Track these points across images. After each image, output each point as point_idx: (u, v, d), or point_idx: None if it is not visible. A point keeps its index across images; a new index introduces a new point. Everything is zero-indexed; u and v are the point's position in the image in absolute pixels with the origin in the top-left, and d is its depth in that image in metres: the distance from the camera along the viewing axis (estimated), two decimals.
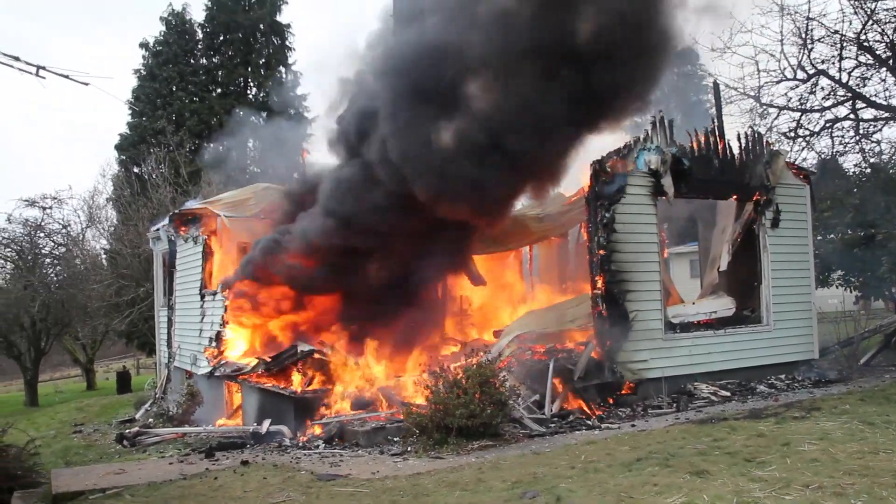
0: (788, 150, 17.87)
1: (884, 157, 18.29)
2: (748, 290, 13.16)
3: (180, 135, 30.69)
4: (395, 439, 9.35)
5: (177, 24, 35.19)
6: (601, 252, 11.34)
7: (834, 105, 18.00)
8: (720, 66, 71.00)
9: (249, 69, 35.32)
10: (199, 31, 36.11)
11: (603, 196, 11.46)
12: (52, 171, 78.49)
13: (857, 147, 18.34)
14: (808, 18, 16.70)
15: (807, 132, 18.38)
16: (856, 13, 16.11)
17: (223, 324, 13.05)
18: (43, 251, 27.30)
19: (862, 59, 16.97)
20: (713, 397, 11.36)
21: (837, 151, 18.38)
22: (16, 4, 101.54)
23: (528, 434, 9.32)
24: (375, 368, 11.61)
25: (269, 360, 11.53)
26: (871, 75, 17.26)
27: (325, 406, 10.62)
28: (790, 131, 18.45)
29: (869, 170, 18.23)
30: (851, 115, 18.08)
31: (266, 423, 10.49)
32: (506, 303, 15.53)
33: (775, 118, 18.59)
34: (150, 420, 14.04)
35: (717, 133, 12.75)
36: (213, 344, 13.29)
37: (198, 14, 35.97)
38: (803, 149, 18.41)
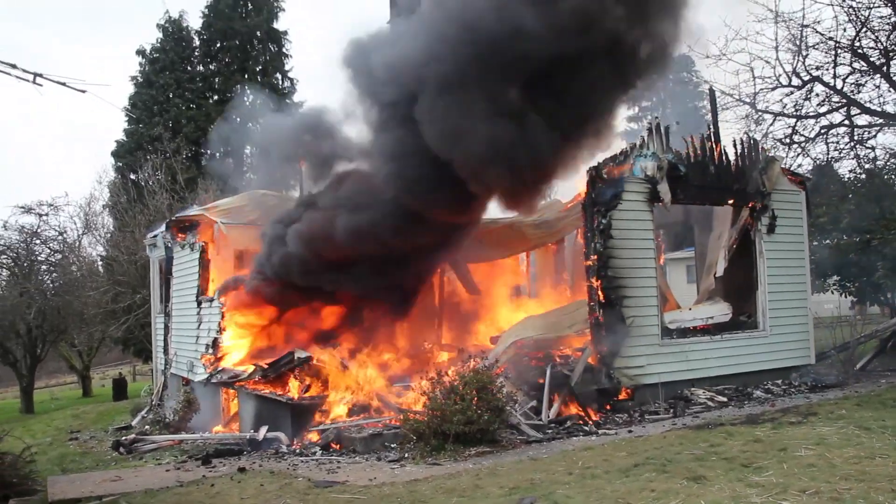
0: (784, 157, 17.95)
1: (878, 163, 18.38)
2: (745, 296, 13.20)
3: (177, 142, 30.69)
4: (393, 446, 9.35)
5: (173, 31, 35.21)
6: (598, 258, 11.36)
7: (829, 111, 18.10)
8: (716, 73, 71.39)
9: (246, 76, 35.34)
10: (196, 39, 36.13)
11: (599, 202, 11.49)
12: (52, 172, 78.51)
13: (851, 153, 18.43)
14: (802, 26, 16.82)
15: (802, 138, 18.48)
16: (850, 20, 16.23)
17: (220, 330, 13.03)
18: (39, 258, 27.25)
19: (856, 65, 17.07)
20: (710, 403, 11.38)
21: (832, 157, 18.47)
22: (14, 10, 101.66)
23: (526, 440, 9.32)
24: (372, 375, 11.61)
25: (265, 366, 11.52)
26: (866, 82, 17.38)
27: (322, 412, 10.62)
28: (785, 137, 18.55)
29: (864, 176, 18.32)
30: (846, 122, 18.18)
31: (263, 430, 10.48)
32: (503, 309, 15.55)
33: (771, 124, 18.69)
34: (147, 427, 14.00)
35: (712, 139, 12.80)
36: (210, 351, 13.26)
37: (195, 21, 36.04)
38: (798, 155, 18.50)
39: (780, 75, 17.86)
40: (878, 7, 15.97)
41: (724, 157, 12.76)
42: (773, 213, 13.14)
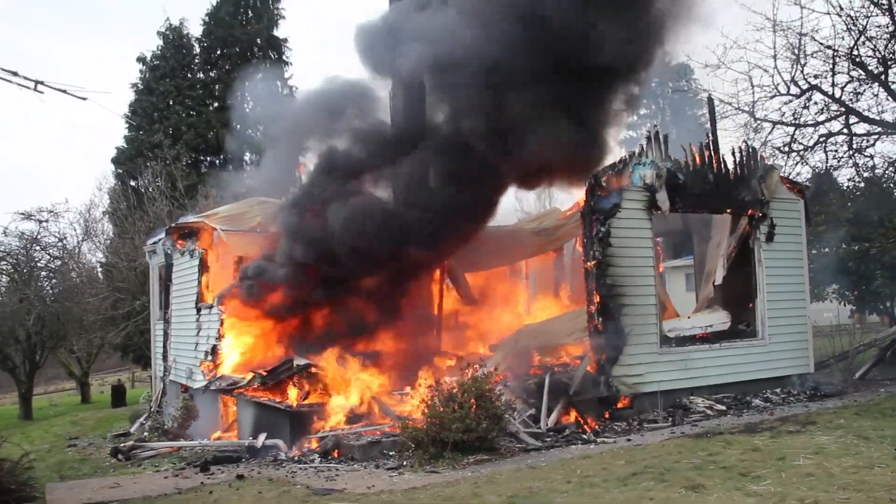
0: (783, 165, 17.99)
1: (877, 171, 18.42)
2: (743, 304, 13.20)
3: (177, 148, 30.71)
4: (391, 453, 9.34)
5: (174, 38, 35.29)
6: (596, 266, 11.37)
7: (827, 120, 18.14)
8: (714, 82, 71.54)
9: (247, 83, 35.38)
10: (197, 46, 36.19)
11: (598, 210, 11.51)
12: (52, 177, 78.48)
13: (850, 161, 18.47)
14: (800, 34, 16.87)
15: (801, 147, 18.52)
16: (848, 29, 16.28)
17: (219, 337, 13.04)
18: (39, 264, 27.25)
19: (854, 74, 17.13)
20: (709, 411, 11.38)
21: (831, 166, 18.51)
22: (16, 14, 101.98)
23: (524, 448, 9.32)
24: (371, 382, 11.60)
25: (264, 373, 11.52)
26: (864, 90, 17.42)
27: (321, 420, 10.61)
28: (784, 146, 18.60)
29: (863, 184, 18.36)
30: (845, 130, 18.21)
31: (262, 437, 10.47)
32: (502, 317, 15.54)
33: (769, 133, 18.74)
34: (146, 434, 13.99)
35: (711, 148, 12.83)
36: (209, 357, 13.27)
37: (195, 29, 36.09)
38: (797, 163, 18.55)
39: (778, 84, 17.93)
40: (876, 16, 16.05)
41: (722, 166, 12.79)
42: (771, 222, 13.16)
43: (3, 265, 27.00)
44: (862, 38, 16.27)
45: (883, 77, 16.67)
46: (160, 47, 35.14)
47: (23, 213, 25.76)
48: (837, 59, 16.87)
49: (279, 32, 36.62)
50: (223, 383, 12.61)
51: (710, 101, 14.85)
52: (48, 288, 27.44)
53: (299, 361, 11.31)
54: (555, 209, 15.91)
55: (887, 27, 16.10)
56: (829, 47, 16.74)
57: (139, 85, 34.82)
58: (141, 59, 34.98)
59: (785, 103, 18.24)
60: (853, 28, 16.22)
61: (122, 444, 12.02)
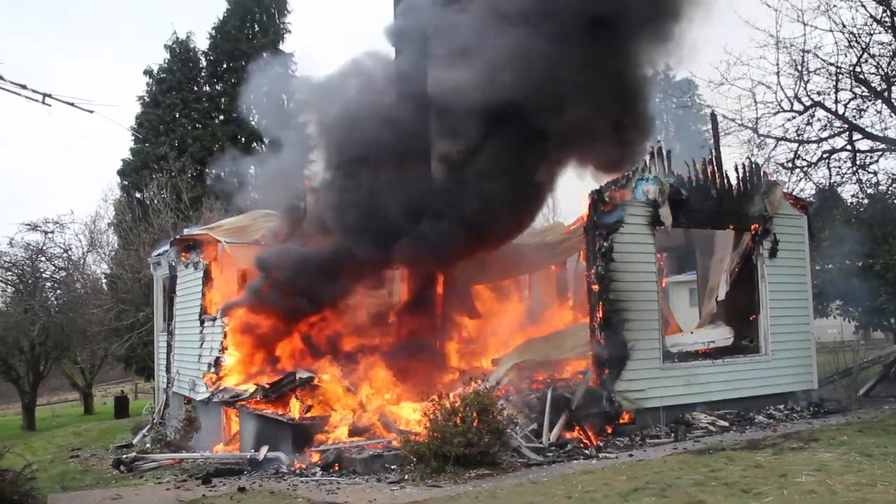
0: (786, 181, 18.02)
1: (881, 187, 18.42)
2: (746, 320, 13.19)
3: (182, 161, 30.91)
4: (393, 467, 9.33)
5: (181, 51, 35.58)
6: (599, 281, 11.39)
7: (831, 136, 18.18)
8: (718, 98, 71.61)
9: (252, 97, 35.59)
10: (203, 59, 36.48)
11: (601, 225, 11.54)
12: (58, 188, 78.83)
13: (854, 178, 18.48)
14: (803, 51, 16.95)
15: (804, 163, 18.55)
16: (850, 47, 16.35)
17: (222, 349, 13.06)
18: (44, 275, 27.35)
19: (857, 91, 17.18)
20: (711, 427, 11.35)
21: (835, 182, 18.52)
22: (25, 28, 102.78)
23: (526, 463, 9.31)
24: (374, 396, 11.61)
25: (267, 386, 11.54)
26: (867, 107, 17.47)
27: (323, 433, 10.60)
28: (788, 162, 18.63)
29: (866, 200, 18.35)
30: (848, 147, 18.25)
31: (263, 450, 10.47)
32: (505, 331, 15.54)
33: (773, 149, 18.77)
34: (148, 445, 13.99)
35: (714, 163, 12.87)
36: (212, 369, 13.29)
37: (202, 42, 36.41)
38: (800, 179, 18.57)
39: (781, 100, 17.98)
40: (879, 33, 16.11)
41: (725, 182, 12.82)
42: (774, 238, 13.16)
43: (8, 276, 27.12)
44: (865, 56, 16.33)
45: (886, 94, 16.72)
46: (167, 60, 35.44)
47: (29, 224, 25.94)
48: (840, 77, 16.94)
49: (285, 46, 36.90)
50: (226, 395, 12.63)
51: (713, 117, 14.91)
52: (53, 299, 27.52)
53: (302, 374, 11.34)
54: (558, 223, 15.96)
55: (890, 44, 16.18)
56: (831, 64, 16.82)
57: (146, 98, 35.09)
58: (148, 72, 35.28)
59: (788, 119, 18.31)
60: (856, 45, 16.29)
61: (124, 456, 12.02)
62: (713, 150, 13.24)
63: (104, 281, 29.74)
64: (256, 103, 34.15)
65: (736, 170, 13.03)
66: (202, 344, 14.12)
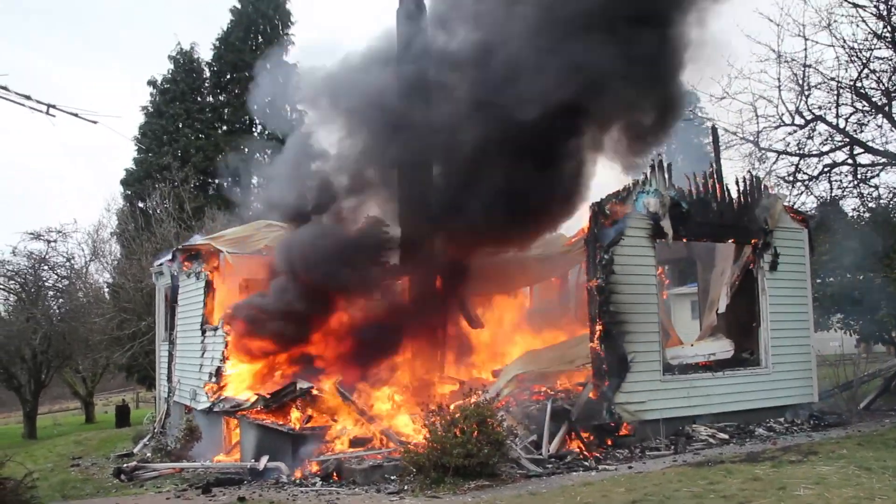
0: (787, 194, 18.05)
1: (882, 201, 18.45)
2: (747, 333, 13.21)
3: (185, 171, 31.06)
4: (392, 478, 9.35)
5: (185, 62, 35.82)
6: (600, 293, 11.42)
7: (832, 150, 18.24)
8: (719, 111, 71.81)
9: (255, 107, 35.77)
10: (207, 70, 36.71)
11: (602, 238, 11.58)
12: (61, 197, 79.01)
13: (855, 191, 18.52)
14: (804, 66, 17.01)
15: (805, 176, 18.59)
16: (851, 61, 16.42)
17: (223, 359, 13.09)
18: (46, 284, 27.44)
19: (858, 105, 17.23)
20: (711, 440, 11.35)
21: (836, 195, 18.55)
22: (29, 39, 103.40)
23: (525, 474, 9.32)
24: (374, 406, 11.63)
25: (268, 396, 11.56)
26: (868, 121, 17.51)
27: (323, 443, 10.62)
28: (789, 175, 18.67)
29: (868, 214, 18.38)
30: (849, 160, 18.29)
31: (263, 460, 10.49)
32: (505, 342, 15.56)
33: (774, 162, 18.82)
34: (149, 454, 14.01)
35: (715, 177, 12.93)
36: (213, 379, 13.32)
37: (206, 53, 36.65)
38: (801, 193, 18.60)
39: (783, 114, 18.04)
40: (879, 49, 16.19)
41: (726, 195, 12.87)
42: (775, 251, 13.19)
43: (10, 284, 27.21)
44: (865, 71, 16.41)
45: (887, 108, 16.78)
46: (171, 71, 35.68)
47: (32, 233, 26.11)
48: (841, 91, 17.00)
49: (288, 57, 37.07)
50: (227, 405, 12.65)
51: (714, 131, 14.99)
52: (55, 307, 27.61)
53: (302, 385, 11.36)
54: (559, 235, 15.98)
55: (890, 59, 16.25)
56: (832, 79, 16.89)
57: (149, 108, 35.30)
58: (152, 83, 35.51)
59: (789, 133, 18.36)
60: (856, 60, 16.37)
61: (124, 465, 12.04)
62: (714, 164, 13.29)
63: (106, 290, 29.83)
64: (260, 113, 34.41)
65: (737, 183, 13.08)
66: (203, 353, 14.16)
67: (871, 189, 18.67)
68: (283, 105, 36.09)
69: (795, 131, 18.19)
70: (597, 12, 11.32)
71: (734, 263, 13.30)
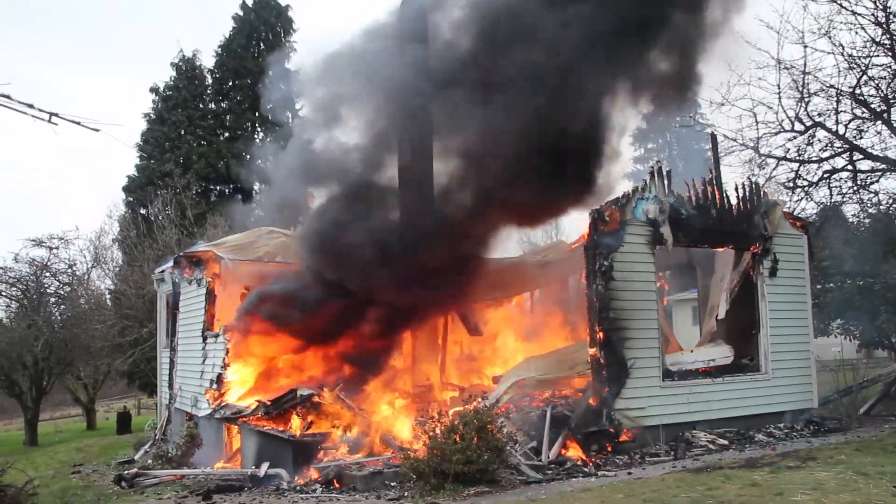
0: (787, 200, 18.05)
1: (882, 207, 18.47)
2: (747, 339, 13.23)
3: (187, 178, 31.16)
4: (393, 484, 9.38)
5: (187, 69, 35.98)
6: (599, 300, 11.46)
7: (831, 156, 18.22)
8: (719, 118, 71.91)
9: (257, 114, 35.94)
10: (209, 77, 36.87)
11: (601, 244, 11.63)
12: (63, 203, 79.24)
13: (855, 197, 18.53)
14: (804, 73, 17.04)
15: (805, 182, 18.59)
16: (850, 68, 16.45)
17: (224, 366, 13.13)
18: (48, 290, 27.50)
19: (857, 112, 17.26)
20: (711, 446, 11.37)
21: (836, 201, 18.56)
22: (32, 46, 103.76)
23: (525, 480, 9.35)
24: (374, 413, 11.67)
25: (268, 403, 11.59)
26: (868, 128, 17.52)
27: (324, 450, 10.66)
28: (789, 181, 18.66)
29: (868, 220, 18.40)
30: (849, 167, 18.30)
31: (264, 466, 10.52)
32: (506, 349, 15.60)
33: (774, 168, 18.80)
34: (150, 461, 14.03)
35: (714, 183, 12.98)
36: (214, 386, 13.35)
37: (208, 60, 36.82)
38: (801, 199, 18.60)
39: (782, 120, 18.04)
40: (878, 56, 16.22)
41: (725, 201, 12.92)
42: (774, 257, 13.24)
43: (12, 291, 27.28)
44: (864, 77, 16.43)
45: (886, 115, 16.81)
46: (173, 78, 35.84)
47: (34, 240, 26.17)
48: (840, 98, 17.03)
49: (290, 65, 37.23)
50: (227, 412, 12.68)
51: (714, 137, 15.03)
52: (57, 314, 27.65)
53: (303, 391, 11.39)
54: (560, 242, 16.05)
55: (889, 66, 16.28)
56: (831, 86, 16.91)
57: (151, 115, 35.44)
58: (154, 90, 35.67)
59: (789, 139, 18.35)
60: (855, 67, 16.40)
61: (125, 472, 12.07)
62: (713, 170, 13.34)
63: (108, 297, 29.88)
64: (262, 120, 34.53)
65: (736, 189, 13.14)
66: (204, 360, 14.19)
67: (871, 195, 18.69)
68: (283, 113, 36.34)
69: (795, 137, 18.20)
70: None
71: (734, 269, 13.33)
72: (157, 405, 19.80)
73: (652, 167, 12.64)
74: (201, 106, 36.23)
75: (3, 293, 27.36)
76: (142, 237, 27.58)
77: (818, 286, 16.53)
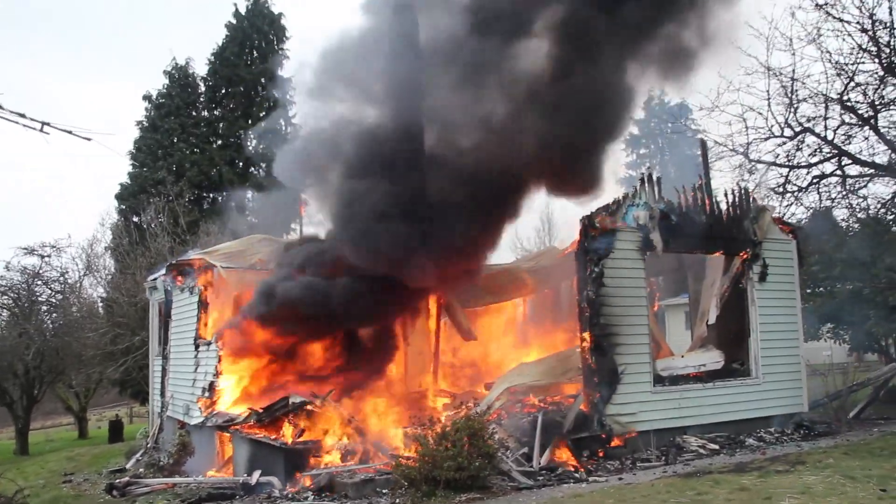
0: (777, 206, 18.15)
1: (871, 212, 18.59)
2: (737, 343, 13.30)
3: (180, 185, 31.14)
4: (384, 491, 9.40)
5: (180, 77, 35.97)
6: (590, 305, 11.51)
7: (820, 161, 18.33)
8: (710, 123, 72.07)
9: (250, 122, 35.97)
10: (202, 85, 36.87)
11: (592, 251, 11.69)
12: (56, 211, 79.03)
13: (844, 202, 18.64)
14: (792, 79, 17.17)
15: (795, 188, 18.70)
16: (838, 75, 16.59)
17: (216, 374, 13.12)
18: (40, 298, 27.40)
19: (846, 117, 17.39)
20: (702, 450, 11.42)
21: (825, 206, 18.68)
22: (23, 52, 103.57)
23: (516, 487, 9.37)
24: (366, 420, 11.68)
25: (260, 411, 11.60)
26: (856, 133, 17.65)
27: (316, 457, 10.66)
28: (778, 187, 18.75)
29: (857, 225, 18.52)
30: (838, 172, 18.42)
31: (256, 474, 10.52)
32: (498, 355, 15.64)
33: (764, 174, 18.90)
34: (141, 470, 14.00)
35: (704, 189, 13.06)
36: (206, 394, 13.34)
37: (200, 68, 36.82)
38: (791, 204, 18.71)
39: (772, 126, 18.15)
40: (864, 62, 16.36)
41: (715, 207, 13.01)
42: (764, 262, 13.32)
43: (4, 300, 27.17)
44: (851, 84, 16.57)
45: (873, 121, 16.94)
46: (166, 86, 35.82)
47: (25, 248, 26.08)
48: (829, 104, 17.16)
49: (283, 72, 37.28)
50: (219, 420, 12.67)
51: (703, 143, 15.12)
52: (48, 322, 27.55)
53: (295, 399, 11.40)
54: (552, 248, 16.10)
55: (876, 72, 16.42)
56: (819, 94, 17.04)
57: (144, 122, 35.40)
58: (147, 98, 35.63)
59: (779, 145, 18.46)
60: (843, 73, 16.53)
61: (117, 481, 12.05)
62: (702, 176, 13.42)
63: (100, 305, 29.78)
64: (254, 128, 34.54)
65: (725, 195, 13.23)
66: (196, 368, 14.17)
67: (860, 200, 18.82)
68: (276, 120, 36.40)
69: (785, 143, 18.30)
70: None
71: (724, 275, 13.41)
72: (150, 413, 19.74)
73: (642, 174, 12.72)
74: (194, 114, 36.21)
75: None
76: (134, 245, 27.52)
77: (808, 290, 16.63)
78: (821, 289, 17.47)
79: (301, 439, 10.99)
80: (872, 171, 17.75)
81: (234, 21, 36.83)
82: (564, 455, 10.68)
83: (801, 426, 13.03)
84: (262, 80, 36.57)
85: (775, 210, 15.74)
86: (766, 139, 18.48)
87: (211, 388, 13.24)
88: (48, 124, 9.74)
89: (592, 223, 11.79)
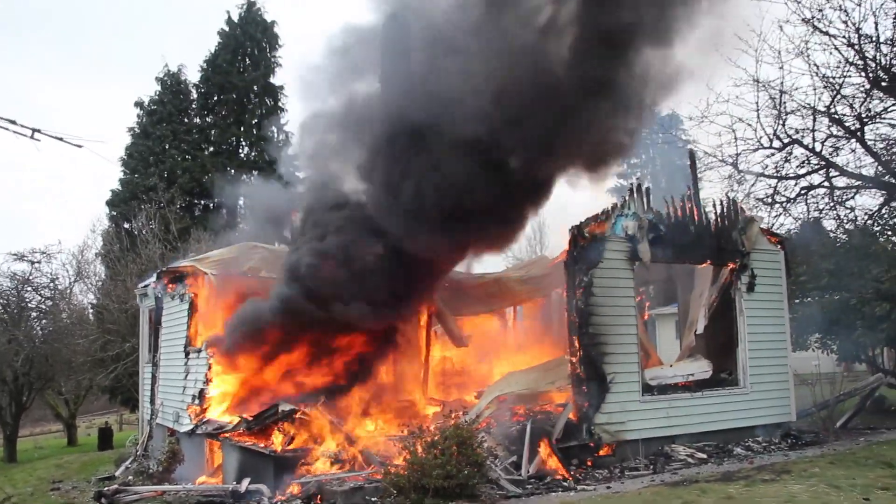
0: (765, 216, 18.35)
1: (858, 223, 18.78)
2: (725, 353, 13.40)
3: (172, 192, 31.09)
4: (373, 499, 9.42)
5: (172, 84, 35.96)
6: (579, 315, 11.59)
7: (808, 173, 18.57)
8: (699, 134, 72.55)
9: (242, 129, 35.99)
10: (194, 92, 36.86)
11: (581, 260, 11.78)
12: (46, 213, 78.69)
13: (832, 213, 18.85)
14: (781, 91, 17.38)
15: (783, 199, 18.90)
16: (825, 87, 16.80)
17: (206, 381, 13.12)
18: (29, 305, 27.28)
19: (833, 130, 17.60)
20: (690, 459, 11.50)
21: (812, 217, 18.87)
22: (15, 57, 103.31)
23: (505, 495, 9.42)
24: (356, 428, 11.70)
25: (250, 418, 11.60)
26: (843, 145, 17.88)
27: (305, 465, 10.68)
28: (767, 197, 18.97)
29: (844, 235, 18.69)
30: (825, 183, 18.64)
31: (245, 482, 10.51)
32: (488, 363, 15.69)
33: (752, 185, 19.12)
34: (130, 477, 13.97)
35: (693, 200, 13.18)
36: (196, 401, 13.33)
37: (193, 75, 36.81)
38: (779, 215, 18.90)
39: (761, 137, 18.38)
40: (851, 76, 16.59)
41: (703, 218, 13.13)
42: (752, 272, 13.44)
43: None
44: (838, 96, 16.78)
45: (860, 133, 17.15)
46: (158, 93, 35.80)
47: (15, 254, 25.98)
48: (816, 116, 17.37)
49: (276, 80, 37.36)
50: (209, 427, 12.67)
51: (692, 154, 15.29)
52: (38, 329, 27.42)
53: (285, 407, 11.41)
54: (542, 257, 16.19)
55: (862, 85, 16.64)
56: (806, 106, 17.26)
57: (136, 129, 35.36)
58: (138, 104, 35.60)
59: (767, 156, 18.69)
60: (830, 86, 16.75)
61: (106, 488, 11.98)
62: (691, 187, 13.55)
63: (90, 311, 29.65)
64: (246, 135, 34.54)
65: (714, 206, 13.36)
66: (187, 376, 14.17)
67: (848, 211, 19.02)
68: (268, 128, 36.44)
69: (773, 154, 18.54)
70: None
71: (712, 285, 13.53)
72: (139, 421, 19.69)
73: (631, 184, 12.83)
74: (186, 120, 36.20)
75: None
76: (125, 251, 27.44)
77: (796, 301, 16.75)
78: (808, 299, 17.60)
79: (291, 447, 11.00)
80: (859, 182, 17.97)
81: (226, 28, 36.88)
82: (553, 463, 10.73)
83: (789, 435, 13.13)
84: (255, 87, 36.63)
85: (763, 221, 15.93)
86: (755, 150, 18.73)
87: (201, 395, 13.24)
88: (39, 131, 9.85)
89: (582, 233, 11.89)
